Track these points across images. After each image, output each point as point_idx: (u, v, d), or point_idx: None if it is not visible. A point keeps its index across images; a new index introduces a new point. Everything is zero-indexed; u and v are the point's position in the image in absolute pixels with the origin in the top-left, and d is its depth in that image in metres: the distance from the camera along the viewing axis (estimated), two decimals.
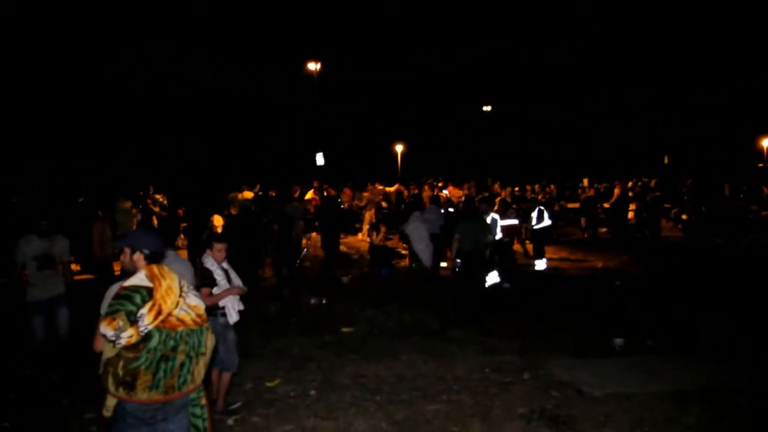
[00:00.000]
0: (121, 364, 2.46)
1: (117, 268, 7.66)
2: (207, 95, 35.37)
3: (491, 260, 8.83)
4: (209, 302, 4.11)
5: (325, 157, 20.13)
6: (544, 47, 49.18)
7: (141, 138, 31.26)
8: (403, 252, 12.06)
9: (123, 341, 2.41)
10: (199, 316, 2.66)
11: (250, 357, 5.82)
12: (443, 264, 10.66)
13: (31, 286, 5.52)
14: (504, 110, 38.43)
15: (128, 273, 2.66)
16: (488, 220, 8.92)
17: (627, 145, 38.30)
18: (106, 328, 2.41)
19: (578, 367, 5.46)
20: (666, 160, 30.69)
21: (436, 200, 11.72)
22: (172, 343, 2.52)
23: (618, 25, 47.69)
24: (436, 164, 29.85)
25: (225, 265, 4.59)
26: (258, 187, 15.27)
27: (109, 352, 2.51)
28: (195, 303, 2.67)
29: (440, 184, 17.77)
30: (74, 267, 9.67)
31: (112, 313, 2.44)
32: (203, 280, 4.37)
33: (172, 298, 2.55)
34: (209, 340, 2.68)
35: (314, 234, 12.81)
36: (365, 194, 16.88)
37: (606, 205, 16.01)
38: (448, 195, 15.06)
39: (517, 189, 18.24)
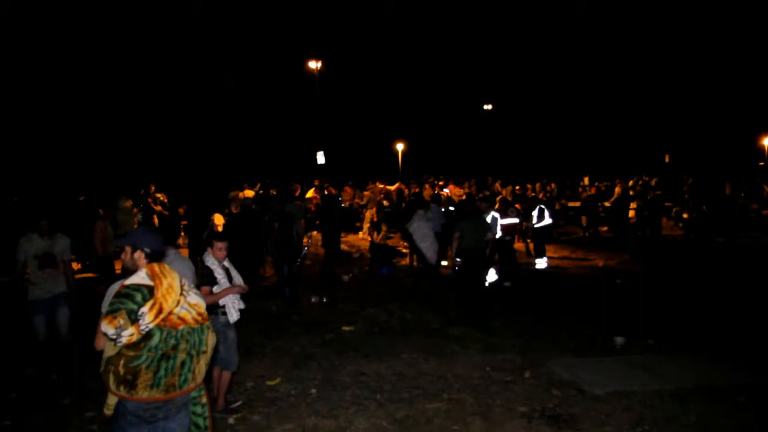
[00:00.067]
0: (122, 362, 2.46)
1: (118, 266, 7.66)
2: (208, 94, 35.43)
3: (490, 258, 8.83)
4: (209, 300, 4.11)
5: (326, 155, 20.11)
6: (544, 46, 49.22)
7: (142, 137, 31.30)
8: (404, 250, 12.07)
9: (124, 340, 2.42)
10: (199, 314, 2.66)
11: (250, 355, 5.84)
12: (444, 263, 10.68)
13: (32, 285, 5.51)
14: (505, 109, 38.45)
15: (129, 271, 2.66)
16: (488, 218, 8.93)
17: (628, 144, 38.30)
18: (107, 327, 2.41)
19: (579, 365, 5.46)
20: (667, 159, 30.61)
21: (437, 199, 11.73)
22: (173, 341, 2.52)
23: (620, 23, 47.74)
24: (436, 163, 29.87)
25: (226, 263, 4.60)
26: (259, 185, 15.29)
27: (110, 350, 2.52)
28: (196, 301, 2.67)
29: (441, 183, 17.77)
30: (75, 266, 9.70)
31: (113, 312, 2.43)
32: (204, 279, 4.38)
33: (173, 296, 2.55)
34: (210, 339, 2.68)
35: (315, 233, 12.80)
36: (366, 193, 16.89)
37: (607, 204, 15.99)
38: (449, 194, 15.05)
39: (518, 187, 18.26)
